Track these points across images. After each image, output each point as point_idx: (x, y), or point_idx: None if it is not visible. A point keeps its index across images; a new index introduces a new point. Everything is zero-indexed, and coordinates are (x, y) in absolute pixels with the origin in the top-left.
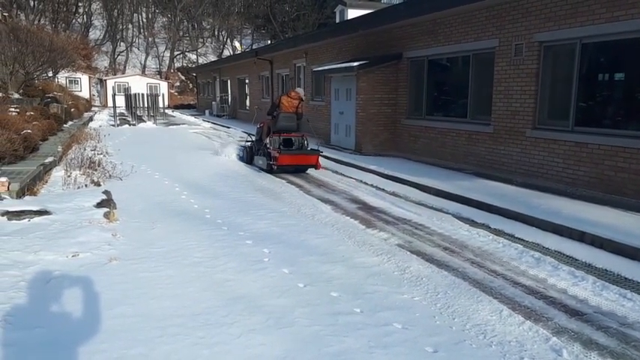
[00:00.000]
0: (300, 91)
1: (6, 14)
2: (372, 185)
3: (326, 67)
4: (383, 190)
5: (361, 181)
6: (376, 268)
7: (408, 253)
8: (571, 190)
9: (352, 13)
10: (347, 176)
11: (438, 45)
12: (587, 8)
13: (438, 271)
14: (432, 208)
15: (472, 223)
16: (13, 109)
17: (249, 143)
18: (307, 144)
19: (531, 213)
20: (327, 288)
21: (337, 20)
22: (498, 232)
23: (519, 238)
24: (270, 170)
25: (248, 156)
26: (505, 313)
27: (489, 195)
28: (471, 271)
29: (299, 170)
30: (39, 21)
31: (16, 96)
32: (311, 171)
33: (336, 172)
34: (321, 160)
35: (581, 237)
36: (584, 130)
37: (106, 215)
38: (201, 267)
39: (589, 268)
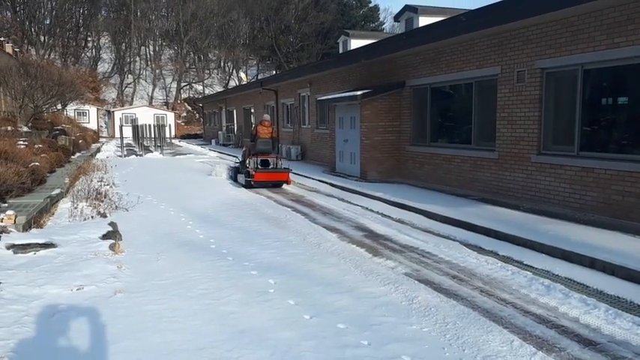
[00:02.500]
0: (267, 116)
1: (17, 49)
2: (378, 212)
3: (330, 97)
4: (389, 217)
5: (367, 208)
6: (384, 298)
7: (416, 282)
8: (579, 216)
9: (355, 44)
10: (352, 203)
11: (441, 73)
12: (587, 35)
13: (447, 301)
14: (438, 235)
15: (480, 250)
16: (21, 142)
17: (237, 165)
18: (281, 164)
19: (539, 239)
20: (334, 319)
21: (340, 50)
22: (507, 260)
23: (528, 265)
24: (249, 186)
25: (234, 175)
26: (516, 344)
27: (496, 221)
28: (480, 300)
29: (275, 185)
30: (49, 55)
31: (25, 129)
32: (318, 199)
33: (342, 200)
34: (326, 187)
35: (591, 263)
36: (590, 155)
37: (112, 247)
38: (205, 299)
39: (600, 296)
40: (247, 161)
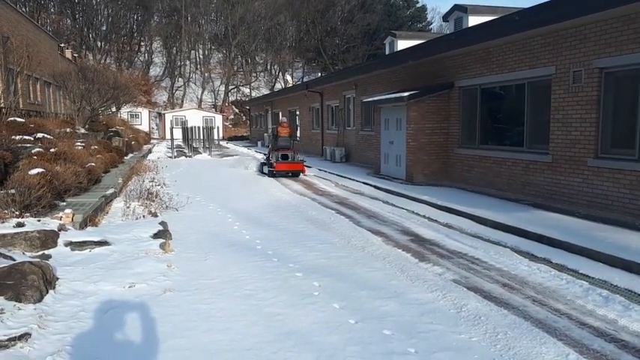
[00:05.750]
0: (284, 119)
1: (76, 55)
2: (424, 216)
3: (376, 98)
4: (436, 221)
5: (413, 211)
6: (431, 305)
7: (465, 289)
8: None
9: (402, 44)
10: (398, 207)
11: (491, 73)
12: None
13: (497, 310)
14: (488, 240)
15: (532, 257)
16: (79, 144)
17: (264, 160)
18: (297, 157)
19: (596, 247)
20: (380, 325)
21: (387, 51)
22: (561, 268)
23: (584, 275)
24: (271, 175)
25: (261, 167)
26: (572, 358)
27: (549, 227)
28: (533, 309)
29: (293, 175)
30: (105, 60)
31: (82, 131)
32: (362, 202)
33: (387, 203)
34: (370, 190)
35: None
36: None
37: (162, 246)
38: (252, 300)
39: None
40: (270, 156)
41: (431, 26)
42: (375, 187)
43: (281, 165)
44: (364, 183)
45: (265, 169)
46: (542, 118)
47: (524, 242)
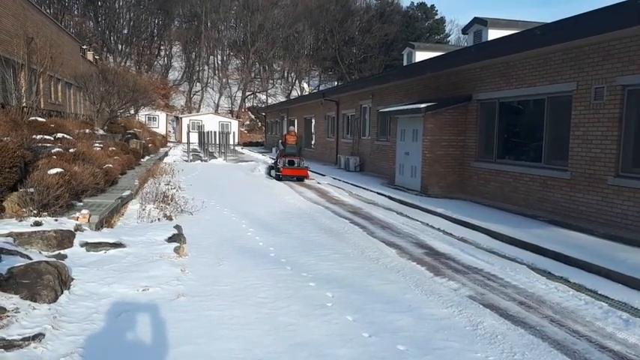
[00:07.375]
0: (292, 128)
1: (97, 57)
2: (438, 229)
3: (393, 109)
4: (451, 235)
5: (427, 224)
6: (446, 321)
7: (481, 306)
8: None
9: (420, 56)
10: (412, 218)
11: (510, 88)
12: None
13: (514, 329)
14: (504, 257)
15: (549, 275)
16: (97, 145)
17: (272, 164)
18: (303, 163)
19: (616, 268)
20: (394, 340)
21: (405, 62)
22: (579, 288)
23: (603, 296)
24: (278, 178)
25: (269, 171)
26: None
27: (567, 246)
28: (551, 330)
29: (298, 179)
30: (125, 63)
31: (101, 132)
32: (376, 212)
33: (401, 214)
34: (384, 200)
35: None
36: None
37: (176, 250)
38: (264, 308)
39: None
40: (278, 161)
41: (449, 38)
42: (390, 197)
43: (287, 170)
44: (378, 193)
45: (273, 173)
46: (562, 134)
47: (540, 260)
